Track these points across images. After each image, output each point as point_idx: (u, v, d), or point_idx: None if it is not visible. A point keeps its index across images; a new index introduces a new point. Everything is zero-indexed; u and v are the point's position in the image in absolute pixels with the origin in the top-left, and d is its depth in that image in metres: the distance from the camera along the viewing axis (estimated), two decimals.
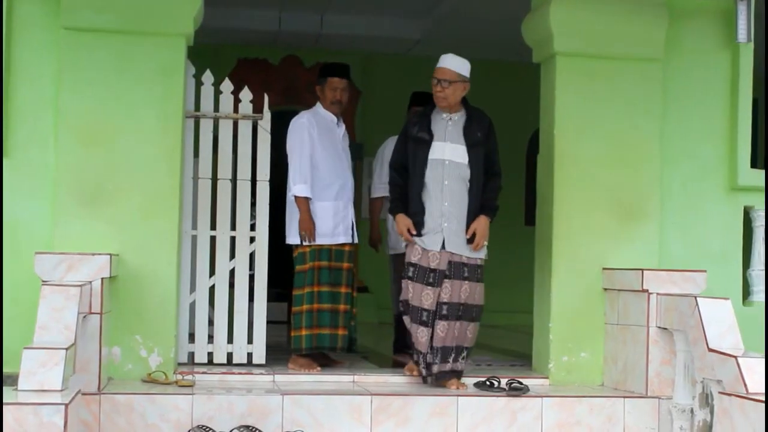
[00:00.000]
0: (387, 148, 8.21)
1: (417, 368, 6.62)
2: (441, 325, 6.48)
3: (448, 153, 6.51)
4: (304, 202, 7.06)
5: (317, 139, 7.15)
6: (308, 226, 7.04)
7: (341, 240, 7.16)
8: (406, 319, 6.63)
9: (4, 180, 6.54)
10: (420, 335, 6.50)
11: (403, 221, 6.54)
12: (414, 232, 6.52)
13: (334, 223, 7.14)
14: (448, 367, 6.50)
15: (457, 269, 6.50)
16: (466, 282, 6.51)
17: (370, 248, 8.54)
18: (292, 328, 7.17)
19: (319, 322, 7.06)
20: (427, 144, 6.51)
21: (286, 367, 7.03)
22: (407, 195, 6.58)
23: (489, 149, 6.60)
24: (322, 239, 7.10)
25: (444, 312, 6.47)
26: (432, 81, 6.59)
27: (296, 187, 7.08)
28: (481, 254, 6.59)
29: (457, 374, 6.57)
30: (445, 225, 6.49)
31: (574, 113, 7.10)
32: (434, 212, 6.49)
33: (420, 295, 6.50)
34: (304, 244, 7.08)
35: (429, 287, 6.49)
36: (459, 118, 6.62)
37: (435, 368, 6.50)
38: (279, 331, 10.04)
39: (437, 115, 6.64)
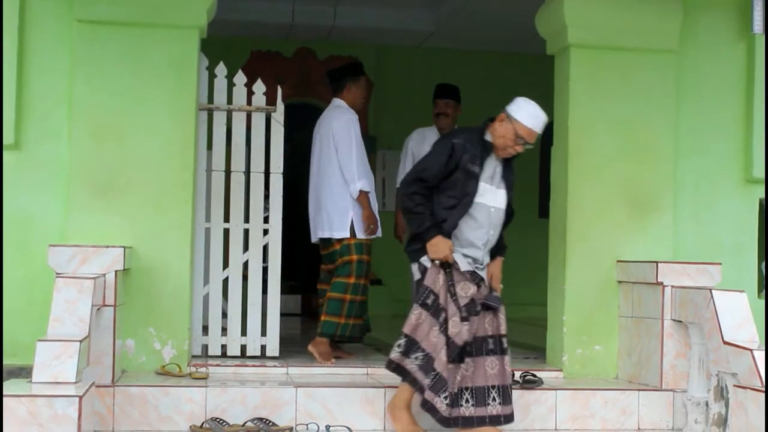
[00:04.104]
0: (413, 140, 8.24)
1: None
2: (489, 361, 5.77)
3: (493, 198, 5.79)
4: (366, 197, 7.16)
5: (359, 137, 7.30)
6: (374, 219, 7.21)
7: (378, 233, 7.37)
8: (438, 358, 5.61)
9: (17, 173, 6.56)
10: (455, 370, 5.65)
11: (445, 243, 5.64)
12: (453, 250, 5.72)
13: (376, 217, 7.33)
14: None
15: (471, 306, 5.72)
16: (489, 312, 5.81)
17: (383, 240, 8.52)
18: (328, 313, 7.15)
19: (360, 312, 7.25)
20: (476, 180, 5.70)
21: (306, 354, 7.04)
22: (433, 215, 5.72)
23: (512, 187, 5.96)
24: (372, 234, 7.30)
25: (491, 346, 5.78)
26: (516, 139, 5.69)
27: (361, 182, 7.17)
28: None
29: None
30: (483, 273, 5.81)
31: (588, 105, 7.08)
32: (470, 256, 5.76)
33: (462, 334, 5.62)
34: (359, 237, 7.19)
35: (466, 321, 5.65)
36: (502, 159, 5.90)
37: (497, 409, 5.76)
38: (292, 324, 10.05)
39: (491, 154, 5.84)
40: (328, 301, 7.18)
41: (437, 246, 5.65)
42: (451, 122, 8.24)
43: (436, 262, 5.69)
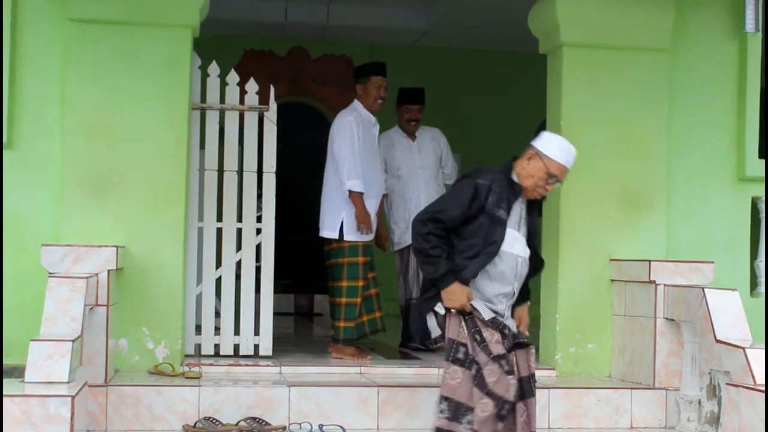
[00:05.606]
0: (381, 146, 8.20)
1: None
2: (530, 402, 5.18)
3: (522, 248, 5.20)
4: (359, 197, 7.16)
5: (361, 138, 7.23)
6: (367, 220, 7.17)
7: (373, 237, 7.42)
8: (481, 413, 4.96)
9: (10, 172, 6.54)
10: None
11: (463, 290, 5.04)
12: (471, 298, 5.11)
13: (372, 220, 7.29)
14: None
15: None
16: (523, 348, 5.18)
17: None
18: (333, 318, 7.27)
19: (365, 309, 7.36)
20: (503, 226, 5.09)
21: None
22: (450, 260, 5.09)
23: (537, 229, 5.42)
24: (367, 236, 7.29)
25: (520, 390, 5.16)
26: (549, 178, 5.11)
27: (351, 182, 7.16)
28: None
29: None
30: (506, 321, 5.21)
31: (581, 104, 7.08)
32: (493, 309, 5.17)
33: (507, 384, 5.00)
34: (346, 239, 7.18)
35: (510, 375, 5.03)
36: (526, 201, 5.30)
37: None
38: (286, 323, 10.04)
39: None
40: (329, 306, 7.30)
41: (454, 294, 5.05)
42: (418, 126, 8.25)
43: (453, 310, 5.10)
